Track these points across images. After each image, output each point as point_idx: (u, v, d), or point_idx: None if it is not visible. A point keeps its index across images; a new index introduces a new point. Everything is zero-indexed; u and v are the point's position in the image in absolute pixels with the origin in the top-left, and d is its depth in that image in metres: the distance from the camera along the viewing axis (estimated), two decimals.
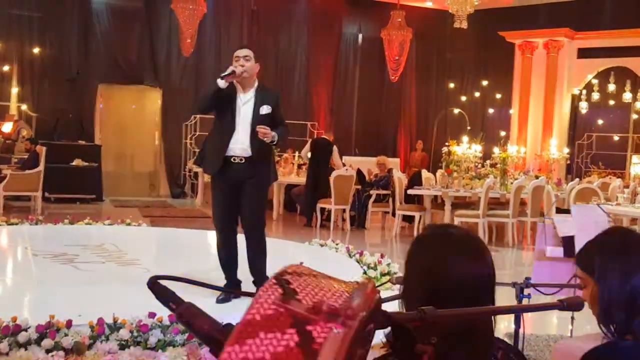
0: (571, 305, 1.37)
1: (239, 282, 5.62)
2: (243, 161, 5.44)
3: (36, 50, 15.07)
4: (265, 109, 5.47)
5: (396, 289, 4.26)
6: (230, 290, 3.97)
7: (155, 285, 1.09)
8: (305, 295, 0.65)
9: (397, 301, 1.90)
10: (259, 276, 5.46)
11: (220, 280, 5.52)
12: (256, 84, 5.57)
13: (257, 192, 5.57)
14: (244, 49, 5.54)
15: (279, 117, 5.62)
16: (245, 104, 5.47)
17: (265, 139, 5.31)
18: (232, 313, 4.24)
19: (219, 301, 5.24)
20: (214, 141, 5.64)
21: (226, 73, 5.32)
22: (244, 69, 5.37)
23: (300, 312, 0.63)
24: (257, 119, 5.40)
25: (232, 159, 5.44)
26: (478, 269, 1.50)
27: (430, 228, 1.76)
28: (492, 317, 1.53)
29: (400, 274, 1.86)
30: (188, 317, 1.03)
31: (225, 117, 5.46)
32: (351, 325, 0.57)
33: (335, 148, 12.73)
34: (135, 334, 4.25)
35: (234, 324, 0.99)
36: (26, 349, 4.00)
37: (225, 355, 0.59)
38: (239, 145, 5.43)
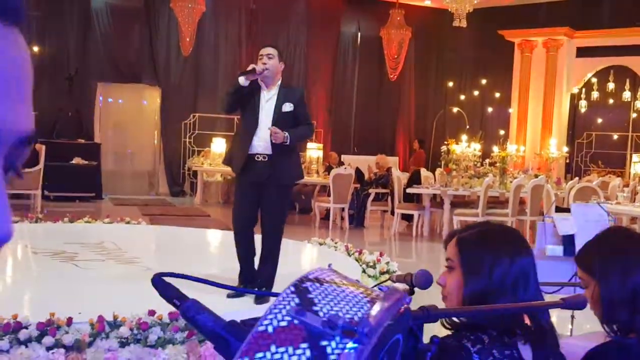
0: (572, 304, 1.38)
1: (254, 274, 5.52)
2: (266, 159, 5.41)
3: (35, 49, 15.05)
4: (287, 107, 5.42)
5: None
6: (235, 288, 3.96)
7: (159, 282, 1.09)
8: (324, 306, 0.64)
9: None
10: (265, 283, 5.38)
11: (221, 277, 5.51)
12: (280, 82, 5.54)
13: (278, 195, 5.49)
14: (268, 47, 5.48)
15: (302, 116, 5.55)
16: (267, 101, 5.44)
17: (274, 140, 5.28)
18: (236, 310, 4.24)
19: (230, 296, 5.18)
20: (238, 140, 5.62)
21: (247, 70, 5.29)
22: (265, 66, 5.31)
23: (315, 325, 0.62)
24: (278, 117, 5.38)
25: (255, 157, 5.41)
26: None
27: None
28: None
29: (400, 272, 1.85)
30: (192, 313, 1.03)
31: (248, 115, 5.43)
32: (367, 342, 0.57)
33: None
34: (135, 331, 4.25)
35: (238, 321, 1.00)
36: (27, 347, 4.00)
37: None
38: (262, 143, 5.39)
